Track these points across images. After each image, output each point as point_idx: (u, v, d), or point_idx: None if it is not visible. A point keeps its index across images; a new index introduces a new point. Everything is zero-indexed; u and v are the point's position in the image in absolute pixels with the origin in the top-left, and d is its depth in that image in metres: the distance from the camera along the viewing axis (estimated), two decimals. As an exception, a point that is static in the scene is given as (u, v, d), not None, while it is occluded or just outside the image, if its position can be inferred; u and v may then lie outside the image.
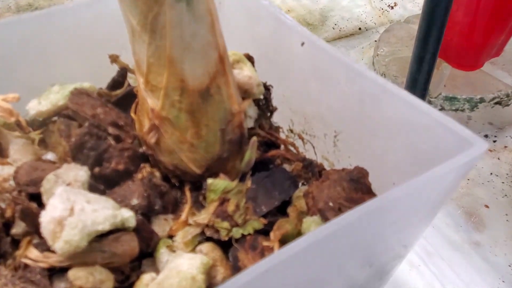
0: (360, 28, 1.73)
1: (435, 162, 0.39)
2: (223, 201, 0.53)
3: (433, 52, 0.88)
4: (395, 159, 0.51)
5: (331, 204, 0.51)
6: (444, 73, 1.24)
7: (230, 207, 0.51)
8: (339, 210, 0.51)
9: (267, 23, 0.61)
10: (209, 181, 0.52)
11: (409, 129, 0.47)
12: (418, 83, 0.96)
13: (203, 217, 0.52)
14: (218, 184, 0.52)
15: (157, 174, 0.60)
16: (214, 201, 0.52)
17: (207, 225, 0.52)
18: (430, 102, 1.26)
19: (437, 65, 1.05)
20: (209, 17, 0.47)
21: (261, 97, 0.66)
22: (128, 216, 0.47)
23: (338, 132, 0.58)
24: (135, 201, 0.51)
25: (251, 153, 0.57)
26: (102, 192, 0.54)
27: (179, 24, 0.45)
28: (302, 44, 0.56)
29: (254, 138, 0.57)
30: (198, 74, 0.49)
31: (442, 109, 1.19)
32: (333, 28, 1.75)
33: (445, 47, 1.04)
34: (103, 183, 0.55)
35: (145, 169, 0.52)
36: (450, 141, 0.43)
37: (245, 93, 0.62)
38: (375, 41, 1.54)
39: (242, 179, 0.63)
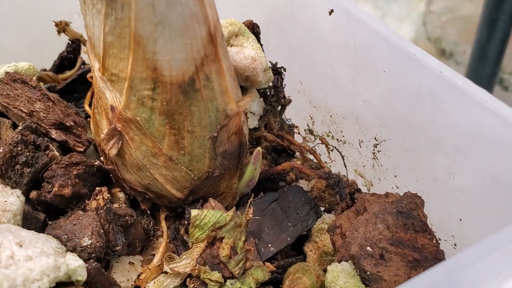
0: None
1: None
2: (213, 241, 0.48)
3: (511, 13, 0.82)
4: (463, 184, 0.46)
5: (369, 248, 0.46)
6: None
7: (223, 251, 0.47)
8: (381, 258, 0.46)
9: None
10: (194, 212, 0.48)
11: (486, 144, 0.42)
12: (488, 53, 0.91)
13: (185, 263, 0.48)
14: (206, 217, 0.47)
15: (121, 196, 0.55)
16: (200, 240, 0.48)
17: (190, 275, 0.48)
18: (502, 80, 1.20)
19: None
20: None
21: (270, 85, 0.61)
22: (76, 266, 0.43)
23: (379, 139, 0.53)
24: (87, 241, 0.46)
25: (253, 169, 0.53)
26: (42, 225, 0.50)
27: (149, -13, 0.40)
28: (330, 12, 0.50)
29: (259, 149, 0.52)
30: (179, 60, 0.44)
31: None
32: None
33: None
34: (44, 211, 0.51)
35: (102, 195, 0.47)
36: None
37: (246, 81, 0.57)
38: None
39: (241, 202, 0.58)
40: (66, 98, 0.60)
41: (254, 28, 0.62)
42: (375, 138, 0.53)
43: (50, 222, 0.50)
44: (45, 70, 0.64)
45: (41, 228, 0.50)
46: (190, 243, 0.49)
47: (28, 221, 0.49)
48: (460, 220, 0.45)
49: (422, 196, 0.48)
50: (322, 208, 0.59)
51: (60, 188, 0.47)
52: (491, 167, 0.42)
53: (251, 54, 0.55)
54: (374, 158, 0.55)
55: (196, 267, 0.47)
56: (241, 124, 0.50)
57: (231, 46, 0.57)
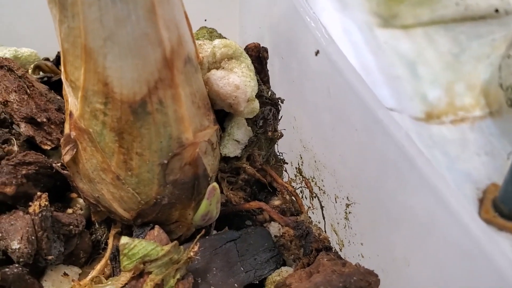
0: (497, 10, 1.52)
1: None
2: (142, 273, 0.45)
3: None
4: (417, 275, 0.39)
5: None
6: None
7: (146, 287, 0.44)
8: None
9: (283, 11, 0.51)
10: (123, 240, 0.45)
11: (440, 240, 0.35)
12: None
13: (108, 289, 0.45)
14: (135, 247, 0.44)
15: (80, 202, 0.54)
16: (127, 270, 0.45)
17: (112, 303, 0.45)
18: None
19: None
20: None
21: (260, 115, 0.56)
22: (-12, 270, 0.42)
23: (351, 200, 0.47)
24: (16, 245, 0.45)
25: (208, 205, 0.49)
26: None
27: (96, 1, 0.37)
28: (316, 53, 0.45)
29: (214, 185, 0.48)
30: (129, 79, 0.41)
31: None
32: (457, 4, 1.57)
33: None
34: (-4, 202, 0.50)
35: (40, 201, 0.46)
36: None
37: (229, 107, 0.53)
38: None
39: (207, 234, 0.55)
40: (60, 91, 0.59)
41: (260, 52, 0.58)
42: (347, 197, 0.48)
43: (-5, 217, 0.49)
44: (47, 59, 0.63)
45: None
46: (119, 270, 0.46)
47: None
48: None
49: (381, 274, 0.42)
50: (289, 259, 0.54)
51: (2, 186, 0.46)
52: (443, 266, 0.36)
53: (235, 81, 0.51)
54: (346, 218, 0.49)
55: (118, 297, 0.45)
56: (196, 155, 0.46)
57: (220, 68, 0.53)
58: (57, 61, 0.64)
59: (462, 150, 1.30)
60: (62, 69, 0.46)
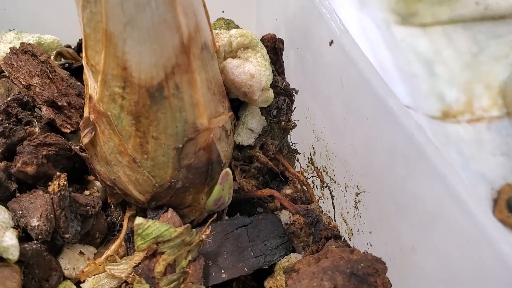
0: (517, 10, 1.51)
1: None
2: (155, 253, 0.46)
3: None
4: (424, 263, 0.40)
5: (304, 305, 0.42)
6: None
7: (159, 266, 0.45)
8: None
9: (299, 3, 0.52)
10: (138, 220, 0.46)
11: (446, 228, 0.36)
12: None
13: (122, 268, 0.47)
14: (149, 227, 0.46)
15: (97, 184, 0.55)
16: (140, 250, 0.46)
17: (125, 281, 0.47)
18: None
19: None
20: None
21: (273, 104, 0.57)
22: (8, 245, 0.43)
23: (361, 189, 0.48)
24: (35, 222, 0.46)
25: (221, 190, 0.50)
26: (11, 195, 0.51)
27: (117, -14, 0.38)
28: (331, 43, 0.46)
29: (227, 170, 0.49)
30: (147, 63, 0.42)
31: None
32: (477, 4, 1.56)
33: None
34: (17, 182, 0.52)
35: (59, 181, 0.47)
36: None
37: (244, 96, 0.54)
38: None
39: (219, 219, 0.56)
40: (80, 77, 0.61)
41: (275, 43, 0.59)
42: (357, 186, 0.49)
43: (18, 194, 0.51)
44: (69, 46, 0.65)
45: (8, 197, 0.51)
46: (133, 250, 0.48)
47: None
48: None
49: (388, 263, 0.43)
50: (299, 246, 0.55)
51: (23, 165, 0.48)
52: (450, 254, 0.37)
53: (251, 70, 0.52)
54: (355, 207, 0.50)
55: (131, 275, 0.46)
56: (210, 141, 0.47)
57: (236, 57, 0.54)
58: (78, 48, 0.65)
59: (477, 150, 1.29)
60: (83, 54, 0.47)
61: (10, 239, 0.44)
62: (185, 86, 0.44)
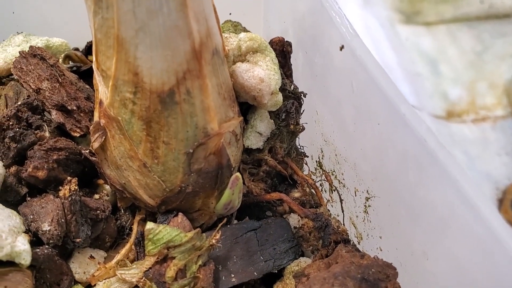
0: (523, 9, 1.51)
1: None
2: (166, 258, 0.47)
3: None
4: (435, 268, 0.40)
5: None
6: None
7: (170, 271, 0.45)
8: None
9: (308, 5, 0.52)
10: (149, 225, 0.46)
11: (458, 233, 0.36)
12: None
13: (133, 273, 0.47)
14: (160, 232, 0.46)
15: (106, 188, 0.56)
16: (151, 254, 0.47)
17: (136, 286, 0.47)
18: None
19: None
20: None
21: (283, 108, 0.57)
22: (21, 250, 0.44)
23: (371, 194, 0.48)
24: (46, 227, 0.47)
25: (230, 194, 0.50)
26: (21, 199, 0.51)
27: (130, -7, 0.39)
28: (341, 48, 0.46)
29: (237, 175, 0.49)
30: (159, 69, 0.43)
31: None
32: (481, 2, 1.55)
33: None
34: (28, 186, 0.52)
35: (69, 186, 0.47)
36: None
37: (254, 100, 0.54)
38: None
39: (228, 223, 0.56)
40: (89, 81, 0.61)
41: (284, 46, 0.59)
42: (367, 191, 0.49)
43: (28, 199, 0.51)
44: (77, 49, 0.65)
45: (19, 201, 0.51)
46: (144, 255, 0.48)
47: (8, 193, 0.51)
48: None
49: (399, 268, 0.43)
50: (308, 250, 0.55)
51: (34, 170, 0.48)
52: (461, 260, 0.37)
53: (260, 74, 0.52)
54: (365, 212, 0.50)
55: (142, 280, 0.46)
56: (221, 146, 0.47)
57: (245, 61, 0.54)
58: (86, 51, 0.66)
59: (482, 150, 1.29)
60: (94, 59, 0.47)
61: (23, 244, 0.44)
62: (196, 91, 0.44)
